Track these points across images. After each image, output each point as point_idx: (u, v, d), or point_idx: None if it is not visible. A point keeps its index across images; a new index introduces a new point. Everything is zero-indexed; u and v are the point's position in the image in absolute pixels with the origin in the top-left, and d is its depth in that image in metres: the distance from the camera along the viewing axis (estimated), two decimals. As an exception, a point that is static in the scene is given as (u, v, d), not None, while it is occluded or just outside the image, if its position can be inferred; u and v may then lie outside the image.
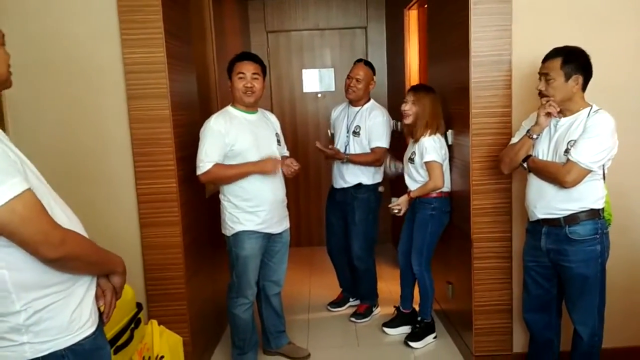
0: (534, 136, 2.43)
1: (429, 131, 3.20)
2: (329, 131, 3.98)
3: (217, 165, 2.76)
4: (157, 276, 2.83)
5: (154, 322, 2.45)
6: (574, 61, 2.32)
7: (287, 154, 3.13)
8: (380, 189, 3.71)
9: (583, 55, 2.35)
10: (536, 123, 2.41)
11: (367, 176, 3.63)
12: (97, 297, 1.57)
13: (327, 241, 3.97)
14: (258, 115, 2.95)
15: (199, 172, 2.77)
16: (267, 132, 2.95)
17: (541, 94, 2.39)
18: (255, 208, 2.84)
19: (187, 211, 2.89)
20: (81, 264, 1.46)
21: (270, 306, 3.17)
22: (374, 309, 3.85)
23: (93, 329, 1.51)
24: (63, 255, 1.36)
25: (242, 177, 2.81)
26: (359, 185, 3.65)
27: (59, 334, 1.43)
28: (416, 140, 3.26)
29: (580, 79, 2.33)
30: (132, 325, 2.26)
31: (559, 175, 2.31)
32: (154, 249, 2.80)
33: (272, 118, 3.10)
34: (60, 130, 2.73)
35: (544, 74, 2.37)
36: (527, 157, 2.46)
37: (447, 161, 3.25)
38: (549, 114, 2.37)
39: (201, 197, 3.14)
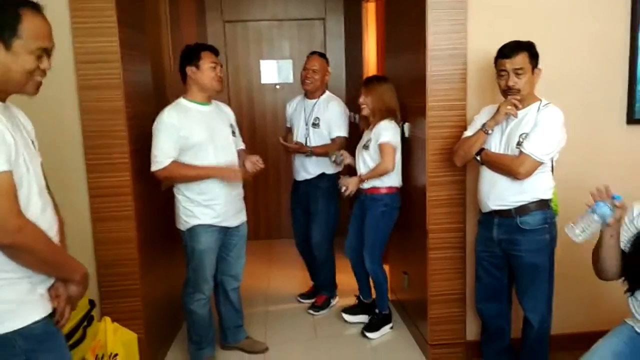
0: (489, 131, 2.48)
1: (385, 117, 3.23)
2: (287, 125, 3.96)
3: (174, 163, 2.70)
4: (110, 272, 2.76)
5: (108, 319, 2.40)
6: (536, 54, 2.40)
7: (242, 146, 3.10)
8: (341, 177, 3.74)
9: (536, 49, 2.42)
10: (493, 118, 2.46)
11: (330, 166, 3.65)
12: (51, 298, 1.56)
13: (295, 235, 3.98)
14: (212, 107, 2.90)
15: (155, 168, 2.70)
16: (221, 124, 2.91)
17: (511, 90, 2.40)
18: (211, 202, 2.80)
19: (142, 205, 2.83)
20: (33, 258, 1.46)
21: (229, 301, 3.14)
22: (332, 301, 3.88)
23: (43, 315, 1.50)
24: (14, 243, 1.38)
25: (199, 180, 2.77)
26: (322, 175, 3.67)
27: (5, 317, 1.43)
28: (372, 126, 3.28)
29: (539, 72, 2.40)
30: (85, 323, 2.21)
31: (513, 167, 2.37)
32: (107, 244, 2.74)
33: (226, 109, 3.05)
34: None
35: (515, 70, 2.38)
36: (481, 150, 2.52)
37: (399, 154, 3.27)
38: (507, 113, 2.41)
39: (156, 191, 3.08)
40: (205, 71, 2.79)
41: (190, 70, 2.80)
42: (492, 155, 2.48)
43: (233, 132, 2.98)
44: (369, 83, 3.35)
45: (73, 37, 2.56)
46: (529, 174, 2.36)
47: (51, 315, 1.57)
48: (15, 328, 1.43)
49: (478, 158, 2.53)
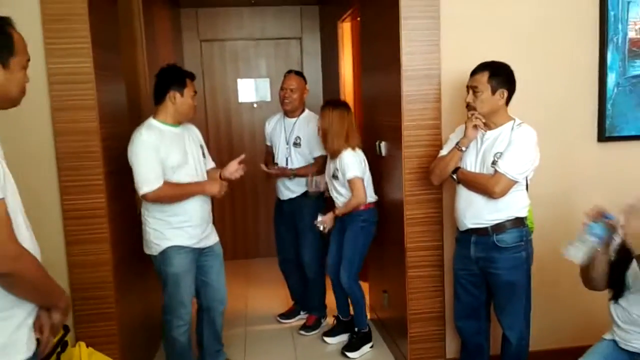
0: (463, 148, 2.51)
1: (343, 144, 3.24)
2: (266, 143, 3.95)
3: (166, 184, 2.66)
4: (85, 295, 2.70)
5: (82, 344, 2.33)
6: (500, 75, 2.42)
7: (212, 165, 3.07)
8: (327, 194, 3.73)
9: (508, 70, 2.46)
10: (464, 136, 2.49)
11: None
12: (35, 329, 1.53)
13: (278, 253, 3.95)
14: (182, 127, 2.87)
15: (148, 189, 2.63)
16: (193, 144, 2.88)
17: (469, 107, 2.48)
18: (184, 223, 2.76)
19: (117, 227, 2.79)
20: (28, 286, 1.45)
21: (212, 326, 3.06)
22: (322, 321, 3.84)
23: (30, 354, 1.47)
24: (13, 271, 1.37)
25: (187, 198, 2.74)
26: (306, 193, 3.66)
27: None
28: (334, 156, 3.30)
29: (505, 93, 2.43)
30: (58, 349, 2.15)
31: (488, 186, 2.39)
32: (82, 267, 2.68)
33: (194, 130, 3.00)
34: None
35: (472, 87, 2.45)
36: (457, 169, 2.54)
37: (367, 172, 3.30)
38: (475, 127, 2.46)
39: (132, 213, 3.04)
40: (187, 99, 2.79)
41: (173, 94, 2.76)
42: (467, 174, 2.50)
43: (203, 153, 2.95)
44: (323, 107, 3.37)
45: (46, 57, 2.53)
46: (504, 192, 2.39)
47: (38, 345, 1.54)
48: None
49: (454, 177, 2.56)
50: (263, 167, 3.69)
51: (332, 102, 3.46)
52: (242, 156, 2.98)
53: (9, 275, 1.37)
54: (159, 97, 2.79)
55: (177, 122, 2.82)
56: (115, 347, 2.73)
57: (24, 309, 1.47)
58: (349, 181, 3.22)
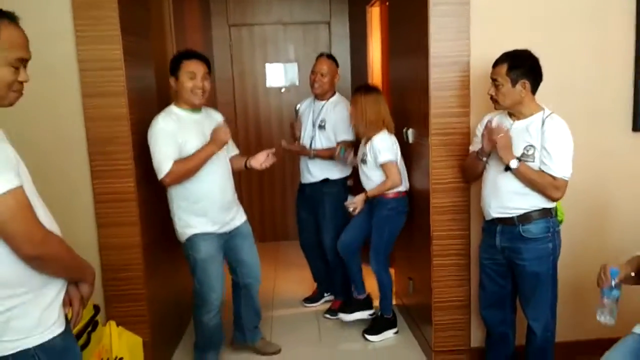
0: (484, 159, 2.51)
1: (376, 130, 3.22)
2: (292, 122, 3.95)
3: (175, 163, 2.68)
4: (115, 277, 2.78)
5: (112, 323, 2.42)
6: (520, 66, 2.36)
7: (236, 151, 3.09)
8: (349, 182, 3.72)
9: (530, 59, 2.38)
10: (483, 147, 2.48)
11: (334, 171, 3.65)
12: (64, 304, 1.59)
13: (300, 237, 3.98)
14: (203, 114, 2.88)
15: (162, 175, 2.67)
16: None
17: (492, 99, 2.44)
18: (205, 210, 2.79)
19: (146, 210, 2.85)
20: (57, 265, 1.50)
21: (250, 303, 3.12)
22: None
23: (61, 329, 1.54)
24: (42, 253, 1.42)
25: (203, 164, 2.72)
26: (327, 180, 3.66)
27: (28, 333, 1.46)
28: (367, 141, 3.28)
29: (527, 84, 2.37)
30: (89, 328, 2.23)
31: (548, 192, 2.37)
32: (112, 250, 2.75)
33: (216, 115, 3.00)
34: (13, 129, 2.62)
35: (493, 79, 2.41)
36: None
37: (400, 158, 3.27)
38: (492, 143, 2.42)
39: (161, 196, 3.08)
40: (184, 82, 2.74)
41: (172, 80, 2.78)
42: (527, 172, 2.37)
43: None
44: (355, 93, 3.34)
45: (77, 45, 2.57)
46: (563, 195, 2.40)
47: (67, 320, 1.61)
48: (38, 343, 1.46)
49: (484, 159, 2.54)
50: (284, 143, 3.68)
51: (364, 87, 3.42)
52: (273, 150, 3.00)
53: (38, 258, 1.42)
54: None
55: (195, 107, 2.82)
56: (145, 326, 2.81)
57: (54, 287, 1.52)
58: (383, 165, 3.20)
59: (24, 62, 1.50)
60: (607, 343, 2.20)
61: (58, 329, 1.52)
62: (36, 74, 2.54)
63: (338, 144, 3.59)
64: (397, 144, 3.27)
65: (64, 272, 1.54)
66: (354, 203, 3.32)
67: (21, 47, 1.48)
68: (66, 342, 1.55)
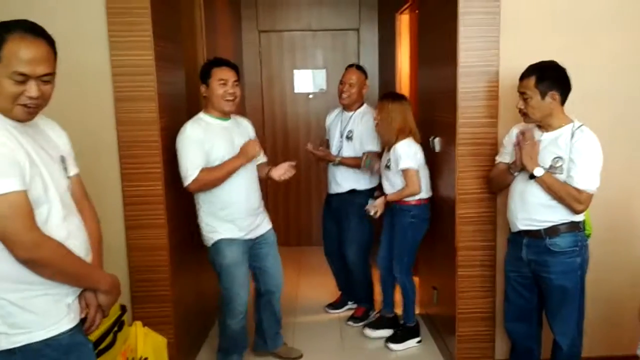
0: (515, 174, 2.49)
1: (400, 137, 3.22)
2: (326, 137, 3.96)
3: (202, 171, 2.72)
4: (142, 278, 2.82)
5: (139, 323, 2.45)
6: (548, 78, 2.33)
7: (264, 160, 3.12)
8: (377, 194, 3.71)
9: (557, 70, 2.36)
10: (514, 161, 2.46)
11: (361, 182, 3.64)
12: (80, 309, 1.62)
13: (325, 246, 3.99)
14: (232, 121, 2.91)
15: (187, 182, 2.71)
16: (242, 138, 2.91)
17: (521, 112, 2.42)
18: (232, 216, 2.82)
19: (173, 213, 2.89)
20: (54, 272, 1.51)
21: (271, 309, 3.15)
22: (370, 313, 3.84)
23: (70, 326, 1.55)
24: (33, 258, 1.44)
25: (229, 175, 2.77)
26: (353, 191, 3.65)
27: (33, 328, 1.48)
28: (390, 148, 3.28)
29: (557, 95, 2.34)
30: (115, 328, 2.27)
31: (571, 204, 2.34)
32: (139, 251, 2.80)
33: (245, 123, 3.05)
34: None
35: (521, 93, 2.39)
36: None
37: (423, 166, 3.27)
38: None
39: (188, 199, 3.13)
40: (215, 89, 2.78)
41: (202, 87, 2.83)
42: (552, 182, 2.35)
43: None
44: (381, 100, 3.35)
45: (110, 50, 2.63)
46: (587, 208, 2.36)
47: (82, 323, 1.63)
48: (43, 338, 1.49)
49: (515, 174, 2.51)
50: (309, 146, 3.70)
51: (390, 94, 3.43)
52: (294, 162, 3.02)
53: (30, 262, 1.45)
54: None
55: (224, 115, 2.86)
56: (170, 327, 2.85)
57: (59, 289, 1.54)
58: (402, 171, 3.20)
59: (30, 77, 1.46)
60: (635, 360, 2.16)
61: (65, 325, 1.54)
62: (71, 78, 2.66)
63: (364, 154, 3.58)
64: (422, 152, 3.26)
65: (61, 278, 1.54)
66: (375, 206, 3.33)
67: (26, 62, 1.44)
68: (74, 339, 1.57)
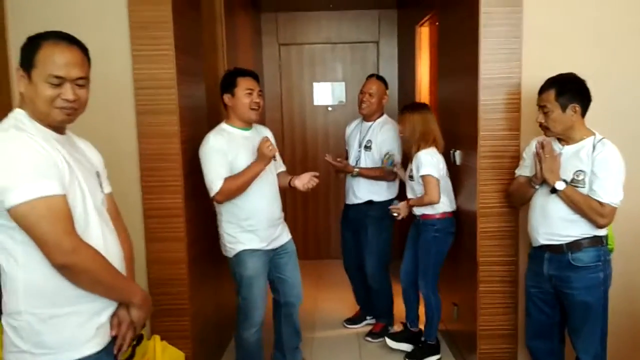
0: (536, 187, 2.45)
1: (423, 146, 3.20)
2: (346, 148, 3.96)
3: (226, 180, 2.72)
4: (161, 291, 2.83)
5: (157, 337, 2.44)
6: (568, 91, 2.31)
7: (283, 168, 3.11)
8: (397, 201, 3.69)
9: (577, 82, 2.33)
10: (535, 174, 2.42)
11: (379, 193, 3.62)
12: (112, 327, 1.59)
13: (344, 258, 3.96)
14: (253, 130, 2.92)
15: (213, 193, 2.71)
16: None
17: (541, 126, 2.39)
18: (254, 227, 2.81)
19: (192, 227, 2.90)
20: (90, 279, 1.49)
21: (290, 322, 3.11)
22: (389, 328, 3.79)
23: (97, 349, 1.53)
24: (70, 263, 1.42)
25: (252, 180, 2.74)
26: (371, 202, 3.63)
27: (59, 349, 1.47)
28: (413, 157, 3.27)
29: (578, 107, 2.31)
30: (134, 342, 2.26)
31: (593, 218, 2.30)
32: (159, 264, 2.81)
33: (265, 131, 3.04)
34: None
35: (541, 107, 2.36)
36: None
37: (446, 177, 3.23)
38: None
39: (208, 213, 3.14)
40: (241, 98, 2.79)
41: (226, 97, 2.83)
42: (575, 195, 2.31)
43: (274, 156, 2.95)
44: (403, 111, 3.34)
45: (133, 64, 2.67)
46: (610, 222, 2.32)
47: (113, 341, 1.61)
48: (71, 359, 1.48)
49: (537, 187, 2.47)
50: (328, 157, 3.69)
51: (409, 105, 3.42)
52: (317, 173, 3.00)
53: (66, 267, 1.43)
54: (224, 103, 2.87)
55: (246, 125, 2.87)
56: (188, 341, 2.84)
57: (91, 306, 1.52)
58: (422, 178, 3.16)
59: (65, 80, 1.51)
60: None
61: (90, 349, 1.51)
62: (93, 91, 2.66)
63: (386, 153, 3.57)
64: (444, 162, 3.23)
65: (98, 288, 1.52)
66: (398, 209, 3.32)
67: (59, 65, 1.50)
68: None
